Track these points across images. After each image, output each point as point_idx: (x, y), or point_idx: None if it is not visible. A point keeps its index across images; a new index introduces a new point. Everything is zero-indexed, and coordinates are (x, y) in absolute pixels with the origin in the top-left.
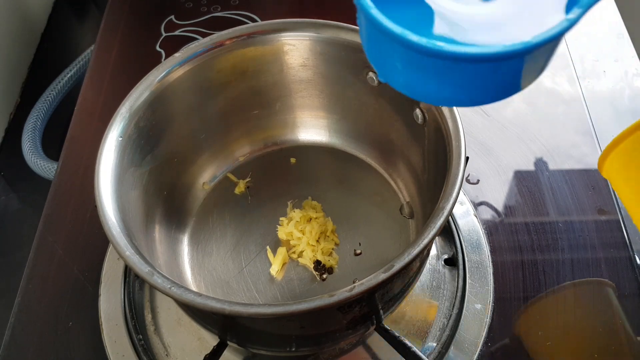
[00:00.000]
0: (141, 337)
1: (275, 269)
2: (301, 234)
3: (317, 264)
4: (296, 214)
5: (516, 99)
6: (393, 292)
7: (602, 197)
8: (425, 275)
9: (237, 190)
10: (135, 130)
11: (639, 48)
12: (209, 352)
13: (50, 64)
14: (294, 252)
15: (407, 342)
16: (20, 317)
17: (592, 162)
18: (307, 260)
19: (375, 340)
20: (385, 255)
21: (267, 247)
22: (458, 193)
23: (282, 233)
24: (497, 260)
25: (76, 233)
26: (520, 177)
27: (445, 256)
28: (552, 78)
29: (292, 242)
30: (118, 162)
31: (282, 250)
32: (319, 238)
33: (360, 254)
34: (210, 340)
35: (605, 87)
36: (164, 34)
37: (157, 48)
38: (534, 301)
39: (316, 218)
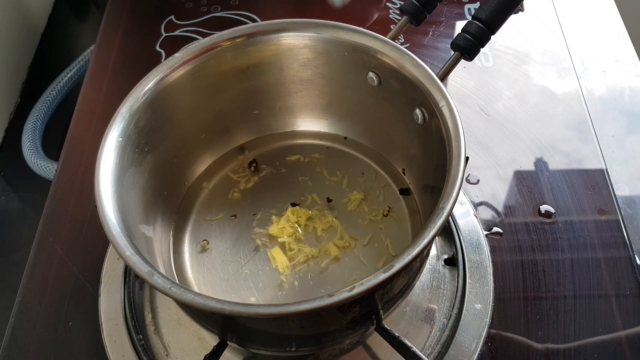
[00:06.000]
0: (141, 337)
1: (283, 266)
2: (292, 229)
3: None
4: (289, 211)
5: (515, 99)
6: (393, 292)
7: (602, 197)
8: (425, 275)
9: (236, 190)
10: (135, 130)
11: (638, 48)
12: (209, 352)
13: (50, 64)
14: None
15: (407, 342)
16: (21, 317)
17: (592, 162)
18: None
19: (376, 340)
20: (383, 253)
21: (267, 250)
22: (458, 193)
23: (274, 228)
24: (497, 260)
25: (76, 233)
26: (520, 177)
27: (445, 256)
28: (551, 78)
29: (281, 240)
30: (118, 162)
31: (277, 251)
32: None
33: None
34: (210, 340)
35: (605, 87)
36: (164, 34)
37: (157, 48)
38: (534, 301)
39: (311, 217)
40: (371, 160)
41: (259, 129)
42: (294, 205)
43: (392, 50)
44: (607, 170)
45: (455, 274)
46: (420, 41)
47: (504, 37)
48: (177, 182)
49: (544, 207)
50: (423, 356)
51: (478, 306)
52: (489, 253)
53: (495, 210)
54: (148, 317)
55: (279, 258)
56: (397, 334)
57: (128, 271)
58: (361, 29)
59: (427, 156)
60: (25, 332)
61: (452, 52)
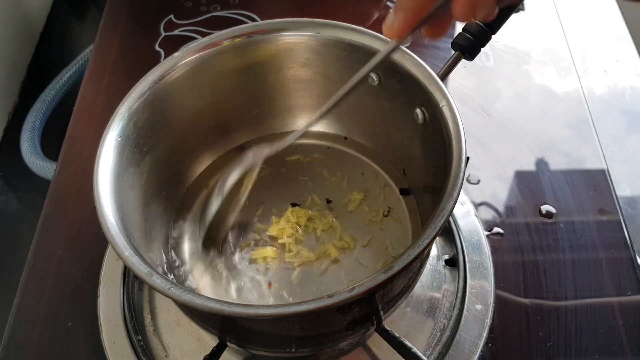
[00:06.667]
0: (140, 337)
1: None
2: (292, 230)
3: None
4: (289, 212)
5: (516, 99)
6: (393, 293)
7: (603, 197)
8: (425, 276)
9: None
10: (134, 130)
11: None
12: (208, 353)
13: (49, 64)
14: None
15: (407, 342)
16: (19, 318)
17: (592, 162)
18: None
19: (376, 341)
20: (383, 254)
21: (267, 248)
22: (458, 193)
23: (274, 229)
24: (498, 261)
25: (75, 233)
26: (521, 177)
27: (446, 256)
28: (552, 77)
29: (280, 241)
30: (117, 162)
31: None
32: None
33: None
34: (210, 341)
35: (606, 87)
36: (163, 34)
37: (157, 47)
38: (535, 301)
39: (311, 218)
40: (371, 160)
41: (259, 129)
42: (294, 205)
43: None
44: (608, 170)
45: (456, 275)
46: (421, 41)
47: (504, 36)
48: (177, 182)
49: (544, 208)
50: (423, 357)
51: (479, 307)
52: (489, 253)
53: (496, 210)
54: (147, 317)
55: (266, 252)
56: (397, 335)
57: (127, 272)
58: (361, 28)
59: (428, 156)
60: (24, 333)
61: (453, 52)
